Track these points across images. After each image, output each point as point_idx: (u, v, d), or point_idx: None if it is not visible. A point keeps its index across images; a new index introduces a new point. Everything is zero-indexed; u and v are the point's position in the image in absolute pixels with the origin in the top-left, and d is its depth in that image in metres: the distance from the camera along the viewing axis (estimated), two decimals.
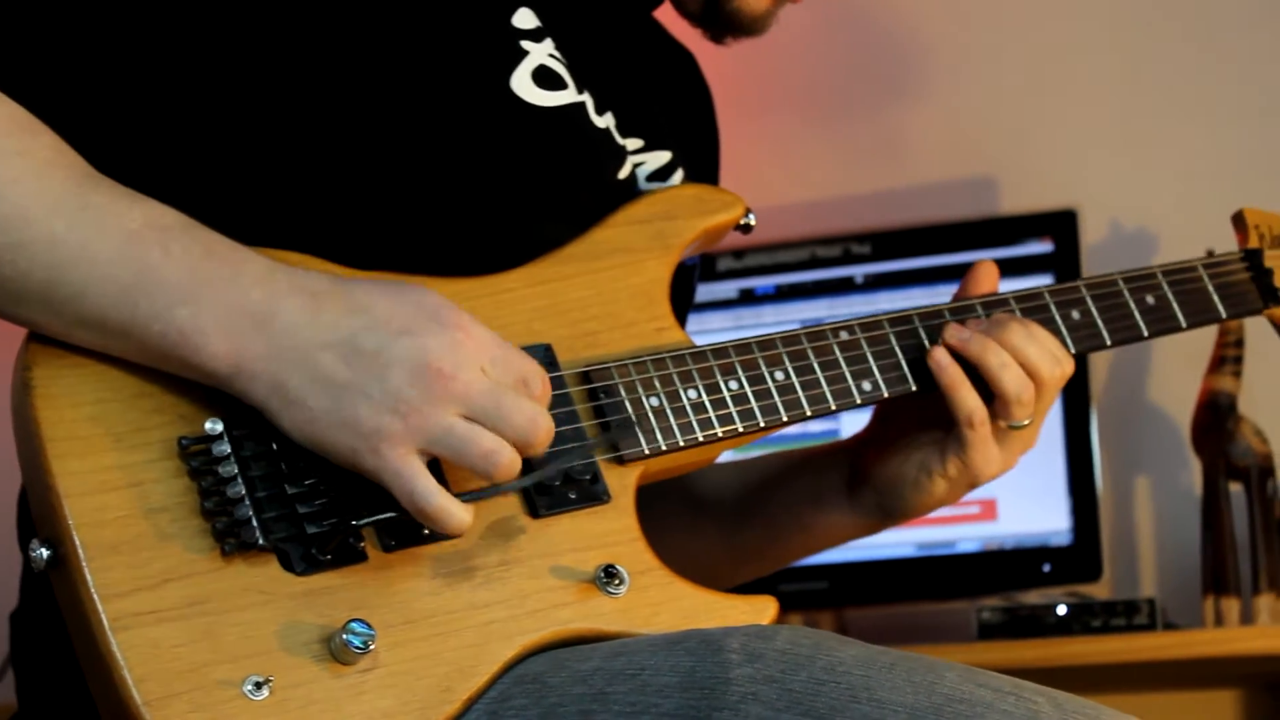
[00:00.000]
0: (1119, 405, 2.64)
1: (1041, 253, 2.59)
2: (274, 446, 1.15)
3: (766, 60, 2.79)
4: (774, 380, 1.32)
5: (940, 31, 2.79)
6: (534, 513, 1.21)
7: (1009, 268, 2.53)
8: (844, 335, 1.35)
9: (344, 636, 1.11)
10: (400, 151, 1.27)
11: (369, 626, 1.12)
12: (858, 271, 2.67)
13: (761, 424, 1.30)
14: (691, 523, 1.49)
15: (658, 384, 1.27)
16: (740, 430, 1.29)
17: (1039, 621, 2.40)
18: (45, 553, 1.11)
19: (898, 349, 1.36)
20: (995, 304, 1.41)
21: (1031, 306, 1.41)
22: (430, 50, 1.28)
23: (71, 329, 1.14)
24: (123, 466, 1.13)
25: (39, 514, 1.13)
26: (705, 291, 2.67)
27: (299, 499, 1.14)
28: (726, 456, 1.40)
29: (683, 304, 1.47)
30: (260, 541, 1.13)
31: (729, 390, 1.30)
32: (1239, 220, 1.54)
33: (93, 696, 1.11)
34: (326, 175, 1.26)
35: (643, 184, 1.42)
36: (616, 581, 1.21)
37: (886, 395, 1.35)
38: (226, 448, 1.14)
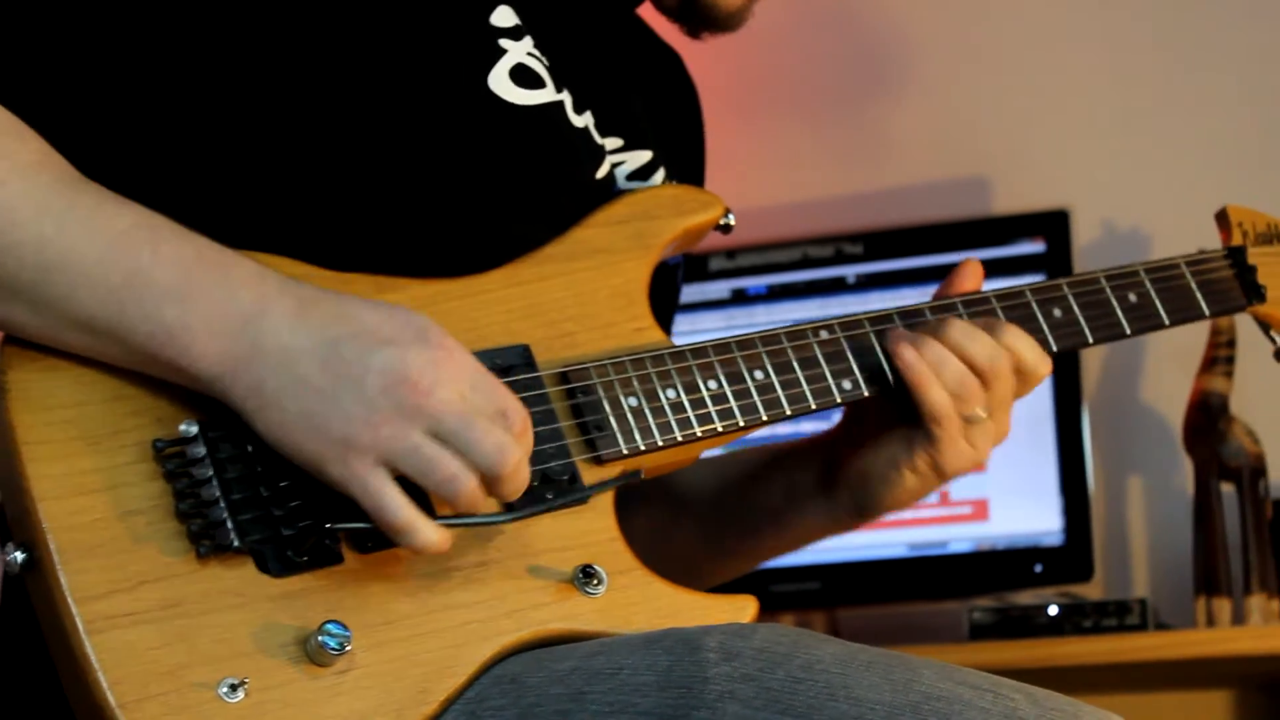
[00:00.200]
0: (1111, 405, 2.64)
1: (1033, 253, 2.59)
2: (250, 448, 1.14)
3: (758, 60, 2.79)
4: (753, 380, 1.31)
5: (933, 31, 2.79)
6: (510, 506, 1.21)
7: (1001, 268, 2.55)
8: (824, 335, 1.35)
9: (320, 638, 1.11)
10: (377, 151, 1.27)
11: (345, 628, 1.11)
12: (850, 271, 2.67)
13: (741, 424, 1.30)
14: (670, 520, 1.49)
15: (636, 384, 1.27)
16: (719, 430, 1.29)
17: (1031, 622, 2.40)
18: (20, 556, 1.11)
19: (878, 348, 1.36)
20: (976, 303, 1.40)
21: (1013, 305, 1.41)
22: (407, 48, 1.28)
23: (58, 330, 1.14)
24: (98, 469, 1.13)
25: (14, 517, 1.13)
26: (697, 291, 2.67)
27: (274, 501, 1.14)
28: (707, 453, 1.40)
29: (667, 305, 1.47)
30: (235, 543, 1.13)
31: (708, 390, 1.29)
32: (1223, 218, 1.54)
33: (69, 699, 1.11)
34: (304, 175, 1.26)
35: (621, 183, 1.42)
36: (595, 582, 1.20)
37: (867, 394, 1.35)
38: (201, 450, 1.14)
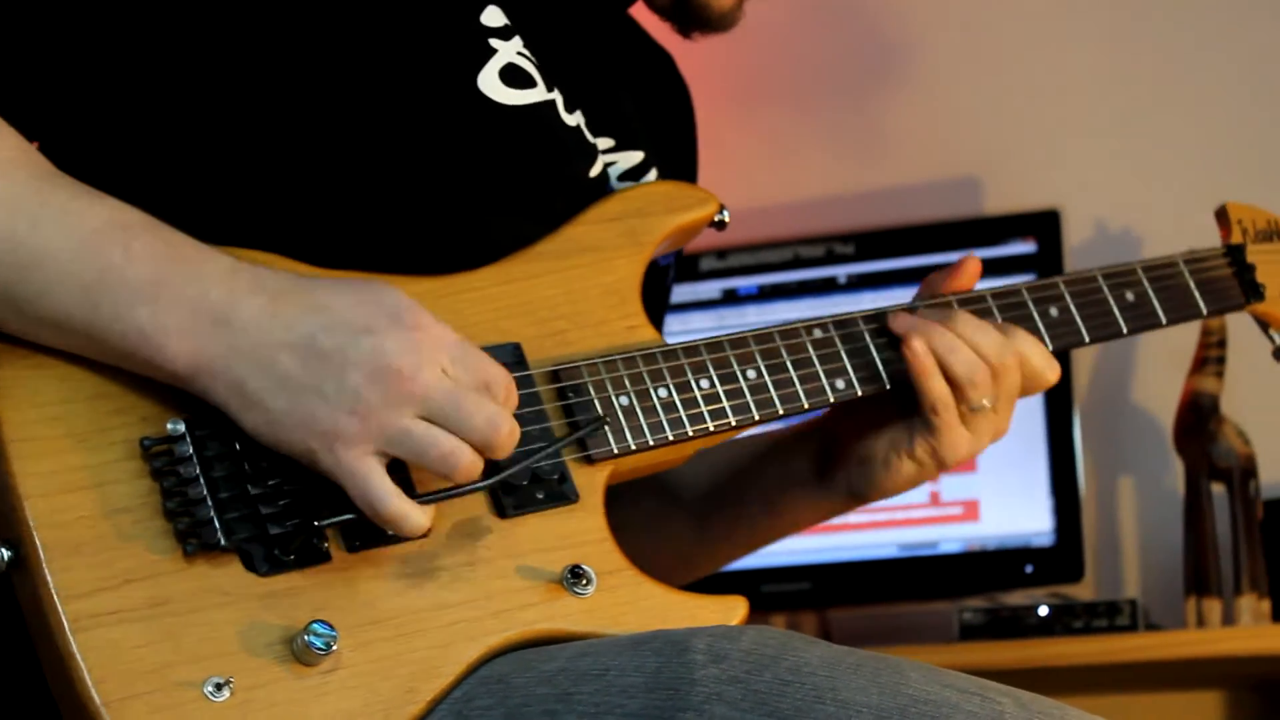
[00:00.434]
0: (1102, 406, 2.64)
1: (1025, 253, 2.59)
2: (236, 446, 1.14)
3: (750, 60, 2.78)
4: (746, 379, 1.31)
5: (924, 32, 2.79)
6: (501, 513, 1.20)
7: (992, 268, 2.53)
8: (817, 333, 1.35)
9: (306, 637, 1.10)
10: (367, 150, 1.26)
11: (331, 627, 1.11)
12: (841, 272, 2.66)
13: (733, 423, 1.29)
14: (663, 507, 1.49)
15: (628, 383, 1.26)
16: (711, 429, 1.28)
17: (1021, 622, 2.40)
18: (6, 554, 1.10)
19: (872, 347, 1.36)
20: (972, 301, 1.40)
21: (1009, 304, 1.40)
22: (397, 48, 1.27)
23: (34, 328, 1.13)
24: (85, 467, 1.12)
25: (0, 514, 1.12)
26: (688, 291, 2.67)
27: (261, 499, 1.14)
28: None
29: (658, 306, 1.46)
30: (222, 542, 1.12)
31: (700, 389, 1.29)
32: (1222, 215, 1.53)
33: (55, 697, 1.10)
34: (294, 173, 1.26)
35: (614, 183, 1.41)
36: (584, 582, 1.20)
37: (860, 394, 1.35)
38: (188, 448, 1.13)
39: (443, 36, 1.29)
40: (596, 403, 1.25)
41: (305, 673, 1.11)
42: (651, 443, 1.26)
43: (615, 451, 1.24)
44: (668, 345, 1.29)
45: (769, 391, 1.31)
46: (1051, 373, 1.38)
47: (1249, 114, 2.63)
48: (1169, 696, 2.59)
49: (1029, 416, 2.50)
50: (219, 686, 1.09)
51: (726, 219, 1.38)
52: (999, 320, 1.39)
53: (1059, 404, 2.51)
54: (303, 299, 1.13)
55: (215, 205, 1.24)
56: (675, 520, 1.49)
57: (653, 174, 1.44)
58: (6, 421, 1.12)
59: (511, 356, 1.24)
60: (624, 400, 1.26)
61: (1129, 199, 2.66)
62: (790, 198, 2.82)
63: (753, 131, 2.83)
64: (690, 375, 1.29)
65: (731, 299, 2.70)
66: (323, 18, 1.25)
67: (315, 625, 1.10)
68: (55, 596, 1.08)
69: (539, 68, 1.34)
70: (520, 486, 1.20)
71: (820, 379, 1.33)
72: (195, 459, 1.13)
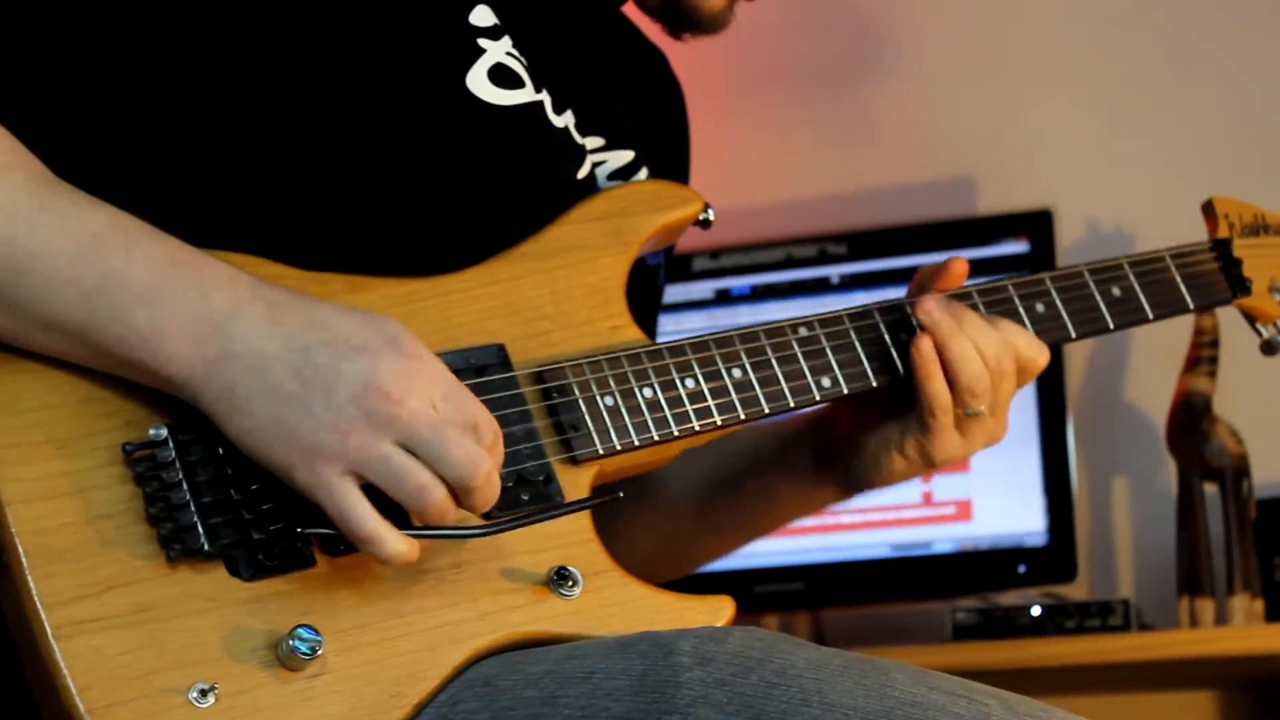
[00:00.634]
0: (1095, 405, 2.64)
1: (1017, 253, 2.59)
2: (220, 451, 1.13)
3: (743, 59, 2.78)
4: (731, 378, 1.30)
5: (917, 32, 2.79)
6: (486, 515, 1.20)
7: (985, 268, 2.54)
8: (803, 331, 1.34)
9: (291, 642, 1.10)
10: (354, 150, 1.26)
11: (316, 632, 1.10)
12: (834, 272, 2.66)
13: (719, 422, 1.29)
14: (659, 498, 1.48)
15: (612, 383, 1.26)
16: (697, 430, 1.28)
17: (1014, 622, 2.40)
18: None
19: (858, 344, 1.35)
20: (958, 297, 1.39)
21: (995, 299, 1.40)
22: (385, 48, 1.27)
23: (29, 331, 1.13)
24: (68, 473, 1.12)
25: None
26: (681, 291, 2.67)
27: (245, 504, 1.13)
28: None
29: (649, 306, 1.46)
30: (206, 547, 1.11)
31: (685, 389, 1.28)
32: (1208, 209, 1.53)
33: (38, 705, 1.10)
34: (280, 173, 1.25)
35: (603, 183, 1.41)
36: (570, 583, 1.19)
37: (846, 391, 1.34)
38: (171, 453, 1.13)
39: (431, 36, 1.29)
40: (581, 403, 1.24)
41: (290, 678, 1.10)
42: (637, 443, 1.25)
43: (600, 452, 1.24)
44: (653, 345, 1.29)
45: (754, 390, 1.31)
46: (1041, 357, 1.38)
47: (1242, 114, 2.63)
48: (1162, 697, 2.59)
49: (1022, 416, 2.50)
50: (204, 693, 1.08)
51: (711, 218, 1.38)
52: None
53: (1052, 404, 2.51)
54: (304, 314, 1.13)
55: (199, 205, 1.24)
56: (674, 508, 1.49)
57: (643, 173, 1.43)
58: None
59: (496, 357, 1.24)
60: (609, 400, 1.26)
61: (1121, 199, 2.66)
62: (783, 197, 2.82)
63: (746, 131, 2.83)
64: (675, 375, 1.28)
65: (724, 299, 2.70)
66: (311, 17, 1.25)
67: (300, 630, 1.10)
68: (38, 604, 1.08)
69: (528, 68, 1.33)
70: (506, 488, 1.20)
71: (806, 377, 1.33)
72: (178, 464, 1.12)
